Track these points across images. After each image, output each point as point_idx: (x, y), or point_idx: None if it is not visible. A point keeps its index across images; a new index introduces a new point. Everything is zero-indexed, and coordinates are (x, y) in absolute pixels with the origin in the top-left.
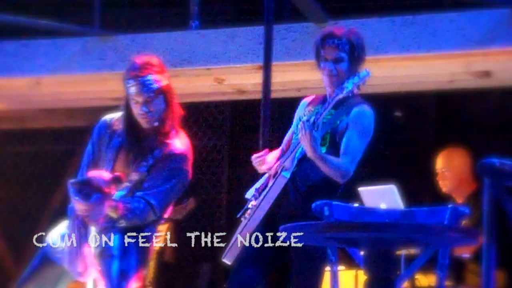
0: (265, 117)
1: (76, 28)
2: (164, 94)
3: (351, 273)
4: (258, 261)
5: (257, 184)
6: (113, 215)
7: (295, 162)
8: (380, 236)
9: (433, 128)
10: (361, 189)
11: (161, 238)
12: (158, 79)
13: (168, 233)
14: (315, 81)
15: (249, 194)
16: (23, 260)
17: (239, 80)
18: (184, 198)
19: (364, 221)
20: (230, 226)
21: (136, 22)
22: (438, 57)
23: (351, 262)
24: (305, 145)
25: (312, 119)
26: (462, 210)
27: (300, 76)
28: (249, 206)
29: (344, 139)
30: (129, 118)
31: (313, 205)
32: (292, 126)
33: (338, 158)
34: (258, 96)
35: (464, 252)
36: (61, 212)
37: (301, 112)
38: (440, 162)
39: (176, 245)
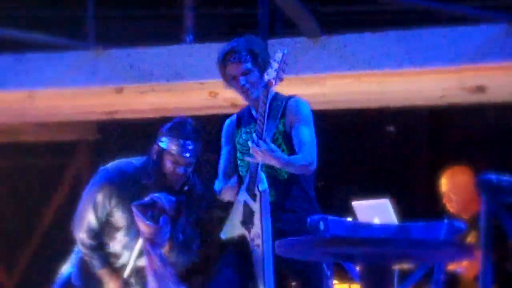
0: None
1: (69, 41)
2: None
3: (344, 287)
4: (242, 265)
5: (236, 219)
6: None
7: (264, 177)
8: (376, 252)
9: (426, 143)
10: (355, 204)
11: None
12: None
13: None
14: (308, 96)
15: (228, 232)
16: (14, 274)
17: (232, 94)
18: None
19: (360, 237)
20: (222, 241)
21: (130, 36)
22: (431, 72)
23: (344, 276)
24: (271, 162)
25: (257, 137)
26: (458, 225)
27: (293, 90)
28: (252, 235)
29: (294, 135)
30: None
31: (308, 219)
32: (224, 150)
33: (297, 155)
34: None
35: (458, 267)
36: (54, 226)
37: (234, 135)
38: (445, 184)
39: None
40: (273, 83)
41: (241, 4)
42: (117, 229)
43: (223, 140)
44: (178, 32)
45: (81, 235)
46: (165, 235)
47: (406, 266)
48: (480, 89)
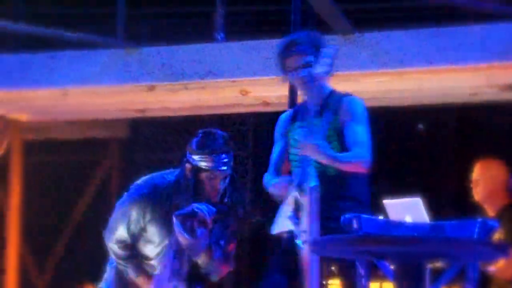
0: None
1: (102, 40)
2: None
3: (376, 285)
4: (288, 265)
5: (285, 214)
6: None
7: (314, 173)
8: (410, 250)
9: (455, 141)
10: (386, 202)
11: None
12: None
13: None
14: None
15: (278, 228)
16: (47, 269)
17: (264, 92)
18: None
19: (395, 235)
20: (254, 235)
21: (161, 34)
22: (461, 70)
23: (375, 274)
24: (317, 156)
25: (305, 132)
26: (491, 224)
27: None
28: (299, 231)
29: (346, 133)
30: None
31: (342, 218)
32: (277, 144)
33: (347, 152)
34: (283, 108)
35: (490, 266)
36: (84, 222)
37: (288, 129)
38: (476, 171)
39: None
40: (324, 77)
41: (272, 2)
42: (150, 242)
43: (276, 134)
44: (210, 30)
45: (113, 246)
46: (201, 247)
47: (438, 264)
48: (510, 87)
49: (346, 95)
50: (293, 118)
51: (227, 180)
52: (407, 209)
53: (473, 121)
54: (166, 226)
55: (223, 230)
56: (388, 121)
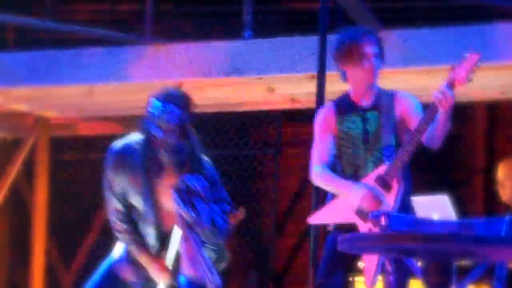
0: None
1: (129, 36)
2: None
3: None
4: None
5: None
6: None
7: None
8: (439, 247)
9: (483, 138)
10: (414, 199)
11: None
12: None
13: None
14: None
15: (322, 219)
16: (73, 266)
17: (291, 89)
18: (234, 208)
19: (424, 232)
20: (279, 235)
21: (189, 31)
22: (490, 68)
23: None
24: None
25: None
26: None
27: None
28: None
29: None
30: None
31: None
32: (322, 137)
33: None
34: (310, 105)
35: None
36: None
37: (333, 123)
38: (501, 171)
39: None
40: (463, 83)
41: (300, 0)
42: (137, 210)
43: (318, 127)
44: (237, 27)
45: (112, 219)
46: (204, 221)
47: (465, 262)
48: None
49: (396, 91)
50: (338, 112)
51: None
52: (434, 207)
53: (502, 119)
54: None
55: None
56: None
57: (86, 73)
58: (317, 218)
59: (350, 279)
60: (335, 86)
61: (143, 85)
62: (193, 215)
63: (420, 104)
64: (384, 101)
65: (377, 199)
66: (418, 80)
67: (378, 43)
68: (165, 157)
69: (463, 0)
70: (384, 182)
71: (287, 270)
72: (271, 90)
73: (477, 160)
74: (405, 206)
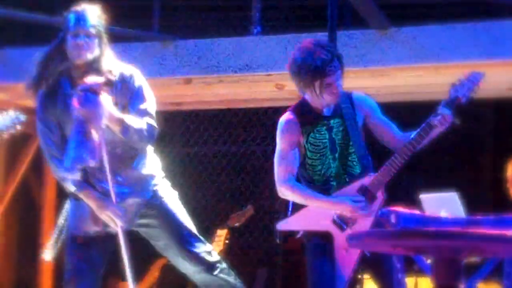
0: None
1: (137, 33)
2: None
3: (411, 280)
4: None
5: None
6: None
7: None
8: (448, 244)
9: (492, 135)
10: (422, 196)
11: (220, 242)
12: None
13: (227, 239)
14: (377, 88)
15: (291, 226)
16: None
17: None
18: (243, 205)
19: (433, 230)
20: (287, 232)
21: (197, 27)
22: (498, 65)
23: (410, 269)
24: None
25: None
26: None
27: (361, 82)
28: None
29: (380, 122)
30: None
31: (379, 212)
32: (291, 149)
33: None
34: None
35: None
36: None
37: (298, 135)
38: (510, 169)
39: (234, 250)
40: (462, 101)
41: None
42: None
43: (283, 140)
44: (246, 23)
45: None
46: (99, 114)
47: (474, 259)
48: None
49: (351, 92)
50: (302, 123)
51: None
52: (443, 204)
53: (510, 116)
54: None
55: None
56: (424, 116)
57: None
58: (287, 225)
59: (360, 276)
60: (345, 83)
61: (151, 81)
62: (87, 107)
63: (376, 103)
64: (344, 105)
65: (361, 212)
66: (427, 77)
67: (339, 61)
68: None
69: None
70: (368, 193)
71: (297, 267)
72: (279, 86)
73: (486, 158)
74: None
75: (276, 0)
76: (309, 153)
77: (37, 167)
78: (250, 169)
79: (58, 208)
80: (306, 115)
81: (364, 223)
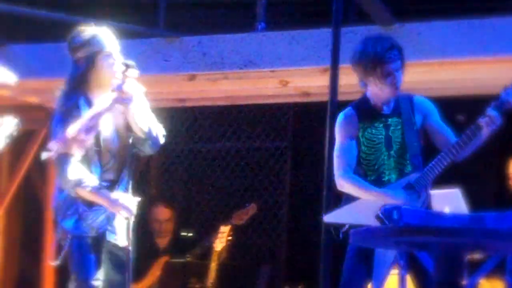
0: (332, 120)
1: (142, 29)
2: None
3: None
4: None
5: (358, 210)
6: None
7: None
8: (451, 241)
9: (496, 131)
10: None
11: (223, 239)
12: None
13: (230, 235)
14: None
15: (335, 218)
16: None
17: (304, 82)
18: (246, 201)
19: (435, 226)
20: (291, 229)
21: (202, 24)
22: (503, 61)
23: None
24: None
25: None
26: None
27: None
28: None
29: (438, 128)
30: None
31: (382, 208)
32: (348, 144)
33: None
34: (323, 98)
35: None
36: None
37: (356, 128)
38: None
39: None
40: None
41: None
42: None
43: (341, 132)
44: (250, 19)
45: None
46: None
47: (477, 256)
48: None
49: (414, 95)
50: (360, 118)
51: None
52: (446, 200)
53: None
54: None
55: None
56: None
57: None
58: (332, 217)
59: None
60: (349, 79)
61: (156, 78)
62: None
63: (436, 107)
64: (404, 105)
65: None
66: (431, 73)
67: (400, 53)
68: None
69: None
70: (413, 190)
71: (300, 264)
72: (284, 83)
73: (489, 153)
74: None
75: None
76: (364, 147)
77: (41, 164)
78: (255, 165)
79: None
80: (365, 110)
81: None
